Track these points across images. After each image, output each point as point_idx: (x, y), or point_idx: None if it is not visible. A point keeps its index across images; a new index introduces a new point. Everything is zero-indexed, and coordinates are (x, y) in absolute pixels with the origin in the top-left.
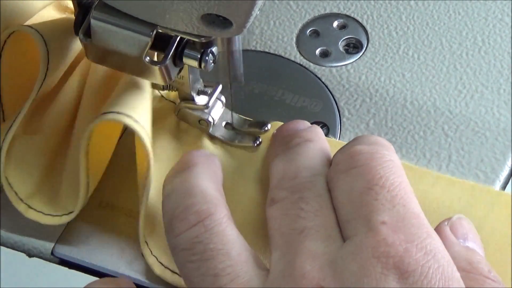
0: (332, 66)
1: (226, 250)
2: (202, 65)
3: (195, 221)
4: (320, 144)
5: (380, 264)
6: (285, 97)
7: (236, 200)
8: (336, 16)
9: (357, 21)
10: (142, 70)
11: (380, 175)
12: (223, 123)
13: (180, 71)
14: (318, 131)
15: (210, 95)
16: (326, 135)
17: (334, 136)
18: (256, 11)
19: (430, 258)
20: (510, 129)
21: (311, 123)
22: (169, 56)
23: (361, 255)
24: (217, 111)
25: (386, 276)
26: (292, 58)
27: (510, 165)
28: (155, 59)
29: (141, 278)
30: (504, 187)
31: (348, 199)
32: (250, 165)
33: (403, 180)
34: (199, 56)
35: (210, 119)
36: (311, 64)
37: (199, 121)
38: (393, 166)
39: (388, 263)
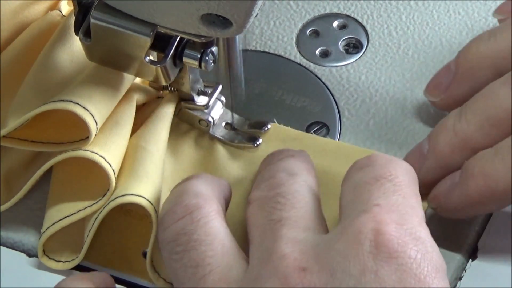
0: (332, 66)
1: (209, 241)
2: (202, 65)
3: (183, 214)
4: (302, 157)
5: (368, 241)
6: (285, 97)
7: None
8: (336, 16)
9: (357, 21)
10: (142, 70)
11: (391, 172)
12: (223, 123)
13: (180, 71)
14: (303, 152)
15: (210, 95)
16: (326, 135)
17: (334, 136)
18: (256, 11)
19: (419, 243)
20: None
21: (311, 123)
22: (169, 56)
23: (349, 233)
24: (217, 111)
25: (374, 255)
26: (292, 58)
27: None
28: (155, 59)
29: (141, 278)
30: None
31: (354, 187)
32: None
33: (412, 184)
34: (199, 56)
35: (210, 119)
36: (311, 64)
37: (199, 121)
38: (408, 173)
39: (377, 242)
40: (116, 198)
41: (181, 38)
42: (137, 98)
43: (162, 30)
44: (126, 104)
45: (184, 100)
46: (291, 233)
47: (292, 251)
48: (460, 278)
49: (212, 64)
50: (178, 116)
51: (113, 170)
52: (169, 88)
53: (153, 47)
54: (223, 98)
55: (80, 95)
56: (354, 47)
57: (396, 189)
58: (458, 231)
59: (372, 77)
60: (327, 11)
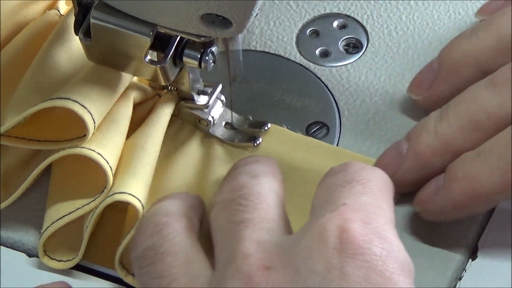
0: (332, 66)
1: (174, 253)
2: (202, 65)
3: (152, 232)
4: (268, 162)
5: (332, 238)
6: (285, 97)
7: None
8: (336, 16)
9: (357, 21)
10: (142, 70)
11: (364, 177)
12: (223, 123)
13: (180, 71)
14: (270, 158)
15: (210, 95)
16: (326, 135)
17: (334, 136)
18: (256, 11)
19: (385, 242)
20: None
21: (311, 123)
22: (169, 56)
23: (314, 230)
24: (217, 111)
25: (339, 252)
26: (292, 58)
27: None
28: (155, 59)
29: None
30: None
31: (325, 190)
32: None
33: (385, 190)
34: (199, 56)
35: (210, 119)
36: (311, 64)
37: (199, 120)
38: (383, 180)
39: (342, 238)
40: (113, 194)
41: (181, 38)
42: (134, 96)
43: (162, 30)
44: (123, 103)
45: (184, 99)
46: (255, 234)
47: (256, 250)
48: (460, 278)
49: (212, 64)
50: (178, 116)
51: (111, 167)
52: (169, 88)
53: (153, 47)
54: (223, 98)
55: (79, 93)
56: (354, 47)
57: (366, 191)
58: (458, 231)
59: (372, 77)
60: (327, 11)
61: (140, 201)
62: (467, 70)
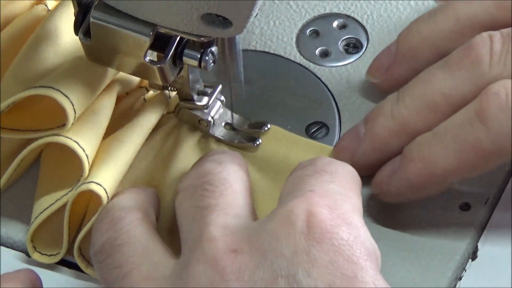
0: (332, 66)
1: (131, 243)
2: (202, 65)
3: (108, 227)
4: (234, 154)
5: (300, 222)
6: (285, 97)
7: None
8: (336, 16)
9: (357, 21)
10: (142, 70)
11: (332, 168)
12: (223, 123)
13: (180, 71)
14: (236, 152)
15: (210, 95)
16: (326, 135)
17: (334, 136)
18: (256, 11)
19: (351, 227)
20: None
21: (311, 123)
22: (169, 56)
23: (281, 214)
24: (217, 111)
25: (306, 236)
26: (292, 58)
27: (509, 164)
28: (155, 59)
29: None
30: (504, 186)
31: (294, 180)
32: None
33: (352, 182)
34: (199, 56)
35: (210, 119)
36: (311, 64)
37: (199, 121)
38: (351, 173)
39: (310, 222)
40: (82, 184)
41: (181, 38)
42: (118, 89)
43: (162, 30)
44: (106, 95)
45: (184, 100)
46: (220, 219)
47: (222, 234)
48: (460, 278)
49: (212, 64)
50: (178, 116)
51: (87, 156)
52: (169, 88)
53: (153, 47)
54: (223, 98)
55: (62, 83)
56: (354, 47)
57: (334, 180)
58: (458, 231)
59: None
60: (327, 11)
61: (105, 190)
62: (425, 53)
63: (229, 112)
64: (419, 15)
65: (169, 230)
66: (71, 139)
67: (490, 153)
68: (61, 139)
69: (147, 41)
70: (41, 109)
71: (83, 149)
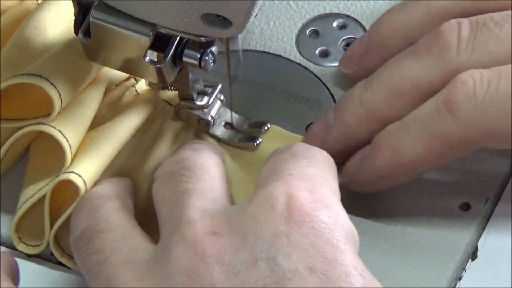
0: (332, 66)
1: (111, 229)
2: (202, 65)
3: (87, 215)
4: (211, 144)
5: (280, 205)
6: (285, 97)
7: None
8: (336, 16)
9: (357, 21)
10: (142, 70)
11: (309, 153)
12: (223, 123)
13: (180, 71)
14: (214, 144)
15: (210, 95)
16: None
17: None
18: (256, 11)
19: (331, 211)
20: None
21: (311, 123)
22: (169, 56)
23: (261, 197)
24: (217, 111)
25: (286, 218)
26: (292, 58)
27: (509, 164)
28: (155, 59)
29: None
30: (504, 186)
31: (271, 164)
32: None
33: (329, 167)
34: (199, 56)
35: (210, 119)
36: (311, 64)
37: (198, 120)
38: (327, 159)
39: (290, 205)
40: (61, 174)
41: (181, 38)
42: (107, 82)
43: (162, 30)
44: (94, 87)
45: (184, 99)
46: (199, 203)
47: (201, 217)
48: (460, 278)
49: (212, 64)
50: (178, 116)
51: (70, 146)
52: (169, 88)
53: (153, 47)
54: (222, 98)
55: (50, 72)
56: None
57: (311, 165)
58: (458, 231)
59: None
60: (327, 11)
61: (84, 181)
62: (395, 43)
63: (229, 112)
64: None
65: (147, 219)
66: (55, 128)
67: (458, 142)
68: (45, 128)
69: (147, 41)
70: (27, 97)
71: (66, 139)
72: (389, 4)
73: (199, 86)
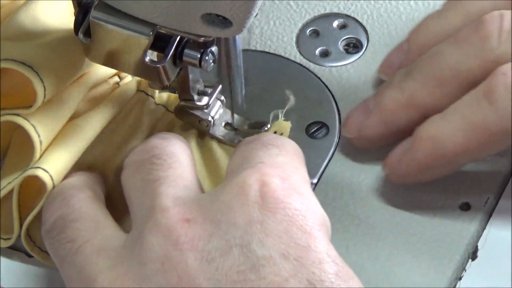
0: (332, 66)
1: (83, 219)
2: (202, 64)
3: (60, 205)
4: (178, 136)
5: (253, 192)
6: (285, 97)
7: None
8: (336, 16)
9: (357, 21)
10: (142, 70)
11: (278, 142)
12: (223, 123)
13: (180, 71)
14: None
15: (210, 95)
16: (326, 135)
17: (334, 136)
18: (256, 11)
19: (303, 198)
20: None
21: (311, 123)
22: (169, 56)
23: (234, 185)
24: (217, 111)
25: (260, 205)
26: (292, 58)
27: (509, 164)
28: (155, 59)
29: None
30: (504, 186)
31: (240, 153)
32: None
33: (298, 156)
34: (199, 56)
35: (210, 119)
36: (311, 64)
37: (199, 121)
38: (296, 148)
39: (263, 192)
40: (30, 169)
41: (181, 38)
42: (91, 82)
43: (162, 30)
44: (77, 86)
45: (184, 100)
46: (171, 190)
47: (174, 204)
48: (460, 278)
49: (212, 64)
50: (178, 116)
51: (41, 142)
52: (169, 88)
53: (153, 47)
54: (223, 98)
55: (39, 64)
56: (354, 47)
57: (282, 153)
58: (458, 231)
59: (372, 77)
60: (327, 11)
61: (51, 177)
62: None
63: (229, 112)
64: (420, 16)
65: (118, 209)
66: (29, 122)
67: (497, 133)
68: (19, 120)
69: (147, 41)
70: (9, 83)
71: (38, 134)
72: (389, 4)
73: (199, 86)
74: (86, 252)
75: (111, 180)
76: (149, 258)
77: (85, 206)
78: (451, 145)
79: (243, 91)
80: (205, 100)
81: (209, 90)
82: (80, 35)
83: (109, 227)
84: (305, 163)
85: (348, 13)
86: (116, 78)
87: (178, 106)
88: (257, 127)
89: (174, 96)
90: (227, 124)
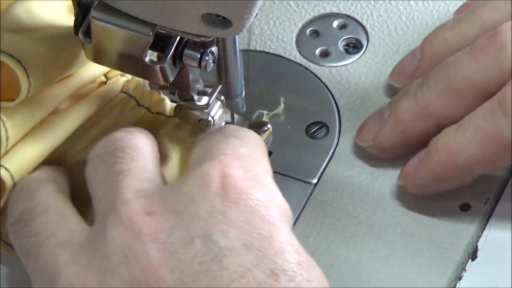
0: (332, 66)
1: (48, 212)
2: (202, 65)
3: (25, 198)
4: (143, 129)
5: (215, 183)
6: (285, 97)
7: None
8: (336, 16)
9: (357, 21)
10: (142, 70)
11: (241, 134)
12: (223, 123)
13: (180, 71)
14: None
15: (210, 95)
16: (326, 135)
17: (334, 136)
18: (256, 11)
19: (265, 188)
20: None
21: (311, 123)
22: (169, 56)
23: (195, 176)
24: (217, 111)
25: (222, 196)
26: (292, 58)
27: (510, 164)
28: (155, 59)
29: None
30: (504, 186)
31: (203, 145)
32: None
33: (260, 147)
34: (199, 56)
35: (210, 119)
36: (311, 64)
37: (199, 121)
38: (257, 139)
39: (224, 183)
40: None
41: (181, 38)
42: (76, 87)
43: (162, 30)
44: (60, 87)
45: (184, 100)
46: (133, 183)
47: (136, 197)
48: (460, 278)
49: (212, 64)
50: (178, 116)
51: (7, 137)
52: (169, 88)
53: (153, 47)
54: (222, 98)
55: (28, 59)
56: (354, 47)
57: (244, 145)
58: (458, 231)
59: (372, 77)
60: (327, 11)
61: (11, 175)
62: None
63: (229, 112)
64: (420, 16)
65: (82, 201)
66: None
67: (511, 143)
68: None
69: (147, 41)
70: (6, 75)
71: (6, 129)
72: (389, 4)
73: (199, 86)
74: (50, 245)
75: (76, 173)
76: (112, 250)
77: (50, 200)
78: (466, 156)
79: (243, 91)
80: (205, 100)
81: (209, 90)
82: (80, 35)
83: (72, 219)
84: (267, 155)
85: (348, 13)
86: (103, 78)
87: (178, 106)
88: (257, 127)
89: (157, 97)
90: (227, 124)
